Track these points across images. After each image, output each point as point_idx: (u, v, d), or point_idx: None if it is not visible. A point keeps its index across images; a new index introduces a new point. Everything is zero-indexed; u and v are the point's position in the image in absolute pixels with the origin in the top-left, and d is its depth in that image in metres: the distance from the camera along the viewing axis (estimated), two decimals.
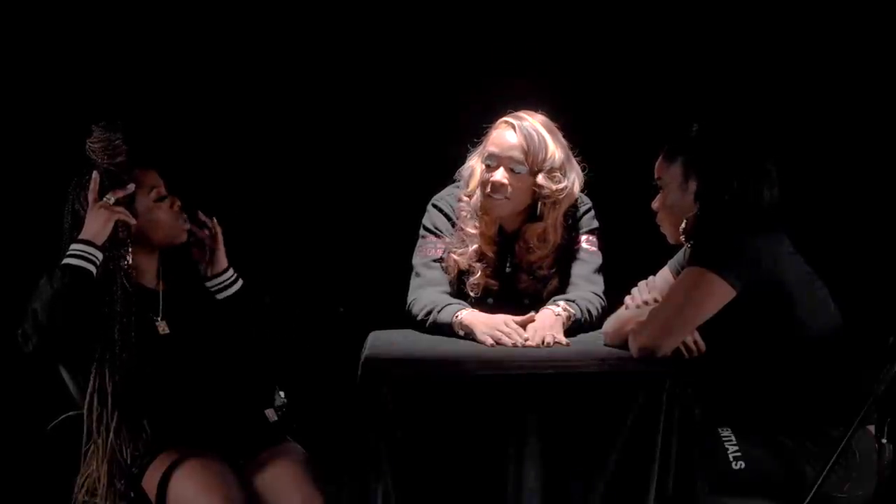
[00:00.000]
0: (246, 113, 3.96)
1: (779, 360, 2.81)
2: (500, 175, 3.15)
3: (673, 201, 2.93)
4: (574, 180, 3.22)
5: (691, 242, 2.92)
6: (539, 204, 3.22)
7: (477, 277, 3.25)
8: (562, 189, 3.18)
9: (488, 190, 3.17)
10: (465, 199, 3.26)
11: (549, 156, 3.16)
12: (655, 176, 2.97)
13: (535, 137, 3.15)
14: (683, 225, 2.92)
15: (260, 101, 3.97)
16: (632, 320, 2.89)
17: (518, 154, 3.15)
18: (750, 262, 2.76)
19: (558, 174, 3.18)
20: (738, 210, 2.85)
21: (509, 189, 3.16)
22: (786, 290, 2.79)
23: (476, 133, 3.29)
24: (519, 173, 3.16)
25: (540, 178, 3.17)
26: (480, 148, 3.26)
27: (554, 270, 3.27)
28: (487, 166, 3.19)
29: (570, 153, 3.23)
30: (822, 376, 2.83)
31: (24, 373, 3.45)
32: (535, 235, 3.23)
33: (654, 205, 2.99)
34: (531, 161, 3.15)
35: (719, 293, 2.75)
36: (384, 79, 4.00)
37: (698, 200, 2.88)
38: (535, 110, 3.23)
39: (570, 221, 3.27)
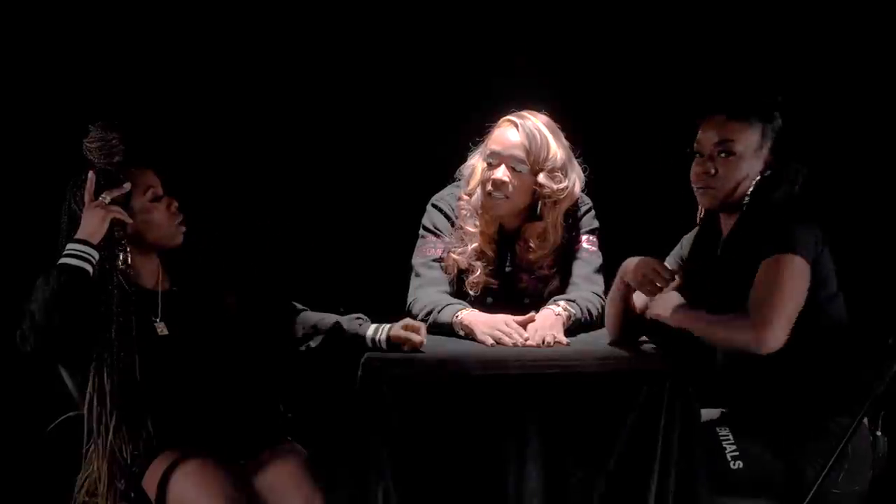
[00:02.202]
0: (245, 113, 3.96)
1: (796, 345, 2.80)
2: (501, 173, 3.16)
3: (739, 166, 2.86)
4: (575, 180, 3.22)
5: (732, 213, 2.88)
6: (539, 203, 3.22)
7: (476, 276, 3.25)
8: (563, 189, 3.18)
9: (489, 188, 3.18)
10: (466, 197, 3.27)
11: (550, 155, 3.17)
12: (722, 139, 2.86)
13: (538, 136, 3.16)
14: (737, 190, 2.86)
15: (259, 101, 3.97)
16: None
17: (520, 153, 3.16)
18: (813, 243, 2.77)
19: (559, 174, 3.18)
20: (794, 187, 2.85)
21: (510, 187, 3.16)
22: (819, 277, 2.79)
23: (476, 134, 3.29)
24: (520, 172, 3.16)
25: (541, 178, 3.17)
26: (482, 147, 3.26)
27: (554, 270, 3.27)
28: (489, 164, 3.19)
29: (572, 153, 3.24)
30: (827, 368, 2.83)
31: (24, 373, 3.45)
32: (535, 234, 3.23)
33: (704, 169, 2.88)
34: (533, 160, 3.15)
35: (806, 273, 2.74)
36: (384, 79, 4.00)
37: (766, 169, 2.86)
38: (538, 110, 3.23)
39: (571, 221, 3.27)
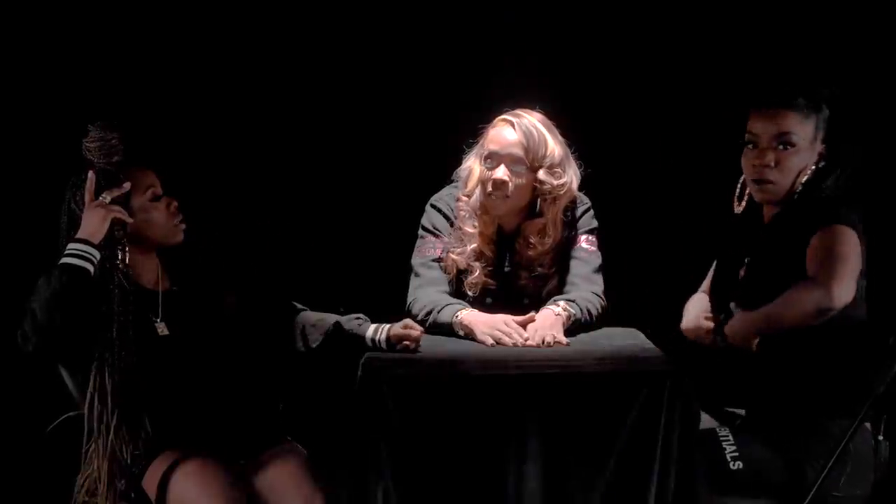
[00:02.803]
0: (244, 113, 3.96)
1: (797, 345, 2.80)
2: (501, 173, 3.16)
3: (798, 158, 2.86)
4: (572, 176, 3.23)
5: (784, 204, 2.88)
6: (539, 201, 3.22)
7: (475, 277, 3.25)
8: (562, 184, 3.19)
9: (489, 188, 3.18)
10: (465, 198, 3.27)
11: (549, 152, 3.17)
12: (781, 130, 2.86)
13: (535, 134, 3.16)
14: (794, 183, 2.87)
15: (258, 101, 3.97)
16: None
17: (518, 151, 3.16)
18: (861, 229, 2.78)
19: (559, 170, 3.19)
20: (847, 173, 2.86)
21: (510, 186, 3.16)
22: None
23: (475, 134, 3.29)
24: (520, 170, 3.16)
25: (541, 174, 3.17)
26: (477, 148, 3.26)
27: (553, 270, 3.27)
28: (488, 165, 3.19)
29: (568, 149, 3.24)
30: (829, 368, 2.82)
31: (24, 373, 3.45)
32: (535, 231, 3.23)
33: (763, 161, 2.87)
34: (531, 158, 3.16)
35: (859, 245, 2.75)
36: (384, 79, 4.00)
37: (821, 161, 2.86)
38: (532, 108, 3.23)
39: (570, 217, 3.27)
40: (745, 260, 2.94)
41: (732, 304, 2.86)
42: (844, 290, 2.69)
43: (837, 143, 2.87)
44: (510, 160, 3.16)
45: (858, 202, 2.84)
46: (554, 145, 3.19)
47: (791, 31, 3.87)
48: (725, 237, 3.03)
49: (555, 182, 3.18)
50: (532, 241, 3.24)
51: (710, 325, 2.95)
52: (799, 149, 2.86)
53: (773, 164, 2.86)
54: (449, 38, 3.97)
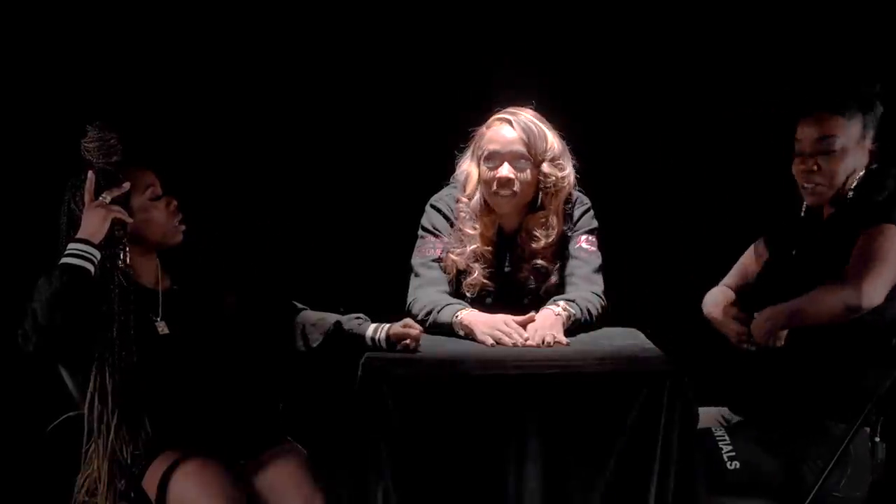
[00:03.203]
0: (244, 113, 3.96)
1: (799, 345, 2.79)
2: (506, 170, 3.17)
3: (843, 161, 2.85)
4: (571, 168, 3.25)
5: (840, 203, 2.87)
6: (540, 194, 3.23)
7: (473, 278, 3.25)
8: (565, 176, 3.22)
9: (494, 187, 3.18)
10: (465, 200, 3.27)
11: (549, 145, 3.20)
12: (821, 135, 2.86)
13: (534, 129, 3.19)
14: (845, 184, 2.86)
15: (258, 101, 3.97)
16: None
17: (520, 147, 3.17)
18: None
19: (561, 162, 3.22)
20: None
21: (516, 183, 3.18)
22: None
23: (469, 136, 3.30)
24: (524, 166, 3.17)
25: (545, 168, 3.19)
26: (472, 150, 3.27)
27: (554, 265, 3.27)
28: (489, 164, 3.19)
29: (563, 142, 3.26)
30: (830, 369, 2.82)
31: (24, 373, 3.44)
32: (538, 225, 3.24)
33: (807, 167, 2.88)
34: (533, 152, 3.17)
35: None
36: (383, 79, 4.00)
37: (874, 159, 2.86)
38: (522, 106, 3.24)
39: (570, 209, 3.29)
40: (796, 258, 2.94)
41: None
42: (875, 290, 2.69)
43: (893, 141, 2.85)
44: (513, 157, 3.17)
45: None
46: (553, 138, 3.21)
47: (819, 30, 3.85)
48: (784, 236, 3.03)
49: (559, 174, 3.20)
50: (536, 233, 3.24)
51: (741, 327, 2.94)
52: (843, 152, 2.85)
53: (815, 168, 2.86)
54: (448, 38, 3.97)
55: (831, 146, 2.85)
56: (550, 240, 3.24)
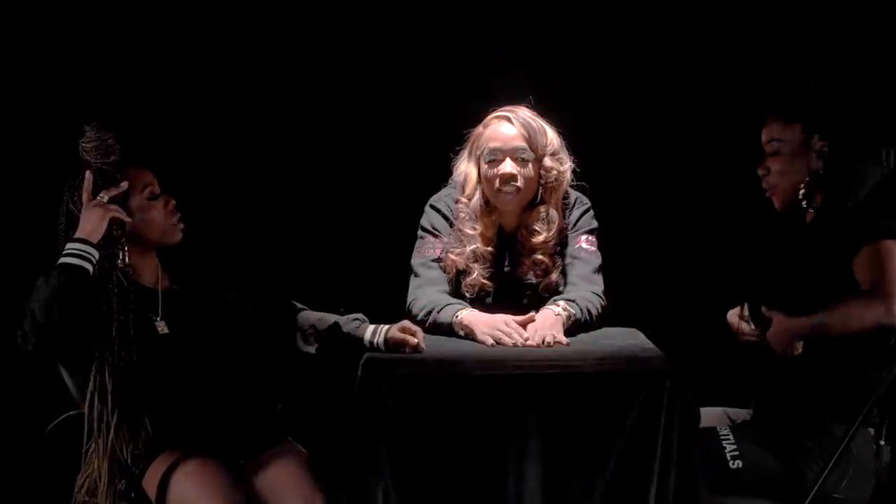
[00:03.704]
0: (242, 112, 3.96)
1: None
2: (509, 166, 3.18)
3: (790, 164, 2.89)
4: (570, 162, 3.27)
5: (814, 208, 2.88)
6: (540, 189, 3.23)
7: (472, 278, 3.25)
8: (565, 170, 3.24)
9: (497, 184, 3.19)
10: (465, 200, 3.27)
11: (549, 140, 3.22)
12: (769, 139, 2.92)
13: (533, 124, 3.21)
14: (803, 189, 2.88)
15: (257, 101, 3.97)
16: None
17: (522, 143, 3.18)
18: None
19: (561, 155, 3.24)
20: (872, 169, 2.84)
21: (520, 179, 3.18)
22: None
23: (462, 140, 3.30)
24: (526, 161, 3.19)
25: (547, 161, 3.21)
26: (469, 151, 3.26)
27: (554, 263, 3.26)
28: (491, 162, 3.19)
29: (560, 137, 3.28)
30: (835, 370, 2.82)
31: (24, 373, 3.44)
32: (537, 219, 3.24)
33: (764, 171, 2.93)
34: (534, 147, 3.19)
35: None
36: (383, 79, 4.00)
37: (824, 160, 2.85)
38: (517, 104, 3.24)
39: (568, 203, 3.30)
40: (782, 261, 2.94)
41: (764, 308, 2.86)
42: None
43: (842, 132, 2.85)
44: (515, 153, 3.18)
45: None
46: (552, 133, 3.23)
47: (784, 33, 3.88)
48: (766, 238, 3.04)
49: (560, 168, 3.23)
50: (536, 227, 3.24)
51: (745, 326, 2.96)
52: (786, 154, 2.89)
53: (766, 171, 2.92)
54: (447, 38, 3.97)
55: (776, 149, 2.90)
56: (551, 234, 3.24)
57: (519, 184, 3.19)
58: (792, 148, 2.89)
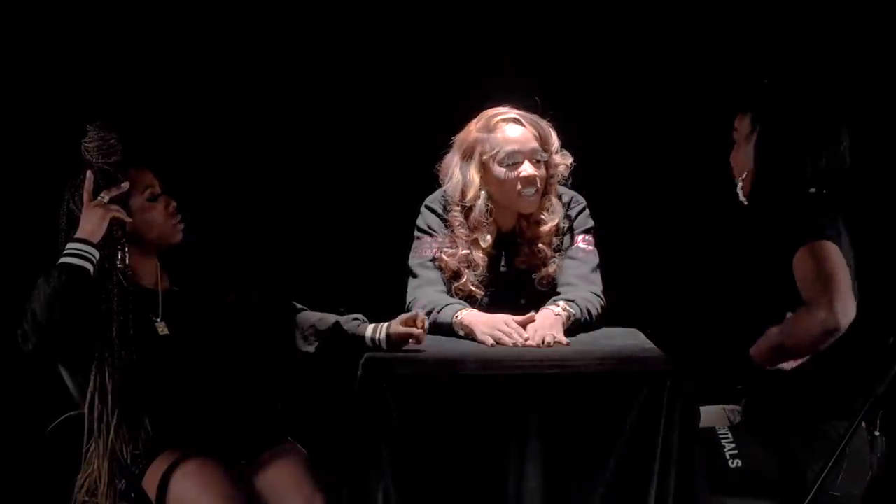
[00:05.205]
0: (243, 113, 3.96)
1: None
2: (530, 168, 3.19)
3: (739, 154, 2.93)
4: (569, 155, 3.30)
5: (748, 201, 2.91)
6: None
7: (462, 283, 3.23)
8: (571, 163, 3.26)
9: (519, 187, 3.18)
10: (458, 208, 3.24)
11: (554, 137, 3.25)
12: (734, 128, 2.96)
13: (541, 123, 3.23)
14: (741, 182, 2.91)
15: (257, 101, 3.97)
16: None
17: (537, 144, 3.20)
18: (836, 233, 2.76)
19: (564, 150, 3.25)
20: (797, 173, 2.83)
21: (538, 180, 3.20)
22: None
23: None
24: (541, 161, 3.21)
25: (556, 158, 3.24)
26: (464, 155, 3.23)
27: (552, 256, 3.26)
28: (511, 165, 3.17)
29: None
30: (833, 369, 2.82)
31: (24, 373, 3.45)
32: (545, 208, 3.24)
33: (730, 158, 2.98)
34: (547, 146, 3.22)
35: (840, 254, 2.72)
36: (382, 80, 4.00)
37: (757, 155, 2.87)
38: (502, 104, 3.25)
39: (562, 198, 3.30)
40: (732, 258, 2.97)
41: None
42: (847, 307, 2.67)
43: (774, 131, 2.86)
44: (533, 155, 3.19)
45: (836, 206, 2.82)
46: (551, 129, 3.24)
47: (774, 28, 3.89)
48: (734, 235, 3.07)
49: (567, 162, 3.25)
50: (544, 216, 3.25)
51: None
52: (739, 144, 2.93)
53: (731, 161, 2.96)
54: (446, 39, 3.97)
55: (733, 139, 2.95)
56: (555, 222, 3.25)
57: (538, 185, 3.20)
58: (740, 138, 2.93)
